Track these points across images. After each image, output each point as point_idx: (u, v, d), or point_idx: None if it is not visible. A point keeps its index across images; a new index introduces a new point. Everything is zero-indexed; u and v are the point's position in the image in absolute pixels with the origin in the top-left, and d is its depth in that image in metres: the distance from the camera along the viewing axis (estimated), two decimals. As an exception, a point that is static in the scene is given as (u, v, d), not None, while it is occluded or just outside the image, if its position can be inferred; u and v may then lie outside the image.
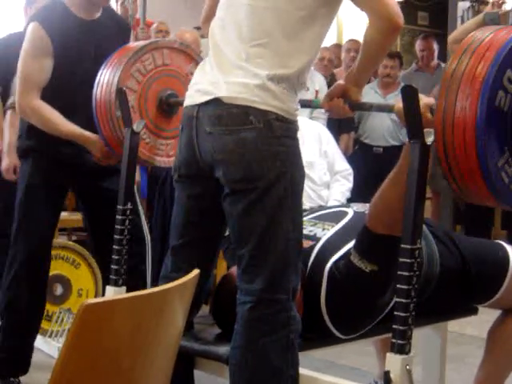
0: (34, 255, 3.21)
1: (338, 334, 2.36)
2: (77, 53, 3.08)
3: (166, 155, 3.00)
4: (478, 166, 1.92)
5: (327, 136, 4.46)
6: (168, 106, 2.93)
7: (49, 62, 3.10)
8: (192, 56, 3.04)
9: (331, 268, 2.33)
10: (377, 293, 2.31)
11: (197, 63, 2.96)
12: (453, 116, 1.92)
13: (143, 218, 3.46)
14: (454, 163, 1.95)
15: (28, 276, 3.21)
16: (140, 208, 3.46)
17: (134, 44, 3.08)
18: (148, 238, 3.46)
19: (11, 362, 3.27)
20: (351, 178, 4.47)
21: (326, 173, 4.42)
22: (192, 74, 2.90)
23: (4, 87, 4.25)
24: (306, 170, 4.40)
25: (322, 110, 5.49)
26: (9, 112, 4.02)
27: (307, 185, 4.32)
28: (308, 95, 5.38)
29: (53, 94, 3.12)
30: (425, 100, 2.08)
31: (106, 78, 2.88)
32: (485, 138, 1.90)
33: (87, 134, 3.05)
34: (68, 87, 3.12)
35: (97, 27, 3.19)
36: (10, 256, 3.23)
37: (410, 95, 2.03)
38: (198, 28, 5.67)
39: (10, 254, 3.24)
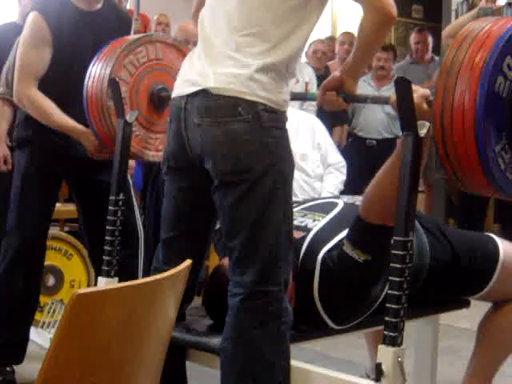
0: (28, 244, 3.22)
1: (331, 323, 2.36)
2: (75, 44, 3.08)
3: (155, 149, 2.99)
4: (475, 151, 1.92)
5: (320, 128, 4.46)
6: (159, 100, 2.93)
7: (47, 51, 3.11)
8: (185, 52, 3.02)
9: (324, 258, 2.33)
10: (370, 282, 2.31)
11: None
12: (452, 100, 1.92)
13: (137, 211, 3.46)
14: (451, 148, 1.95)
15: (22, 264, 3.22)
16: (134, 202, 3.46)
17: (127, 37, 3.08)
18: (141, 232, 3.46)
19: (3, 351, 3.27)
20: (344, 171, 4.47)
21: (319, 165, 4.42)
22: None
23: None
24: (300, 162, 4.42)
25: (312, 103, 5.54)
26: None
27: (300, 177, 4.32)
28: (298, 87, 5.38)
29: (50, 84, 3.13)
30: (420, 91, 2.08)
31: (97, 69, 2.87)
32: (483, 122, 1.90)
33: (80, 127, 3.05)
34: (65, 78, 3.12)
35: (97, 18, 3.20)
36: (5, 244, 3.25)
37: (403, 87, 2.03)
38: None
39: (5, 242, 3.26)
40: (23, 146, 3.29)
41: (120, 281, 2.64)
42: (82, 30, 3.13)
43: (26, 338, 3.33)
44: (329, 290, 2.32)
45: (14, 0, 4.69)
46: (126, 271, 2.85)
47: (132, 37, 2.98)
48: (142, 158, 3.01)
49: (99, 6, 3.23)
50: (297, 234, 2.44)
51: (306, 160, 4.34)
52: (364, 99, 2.59)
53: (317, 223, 2.48)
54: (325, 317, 2.35)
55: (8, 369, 3.30)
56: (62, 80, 3.12)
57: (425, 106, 2.07)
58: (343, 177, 4.44)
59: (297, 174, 4.35)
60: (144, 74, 2.91)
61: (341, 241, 2.34)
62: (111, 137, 2.84)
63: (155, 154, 2.99)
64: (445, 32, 5.11)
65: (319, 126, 4.45)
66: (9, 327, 3.26)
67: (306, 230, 2.46)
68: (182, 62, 2.93)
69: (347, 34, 6.70)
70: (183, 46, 3.05)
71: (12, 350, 3.29)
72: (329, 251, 2.35)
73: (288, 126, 4.51)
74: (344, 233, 2.35)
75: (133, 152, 2.91)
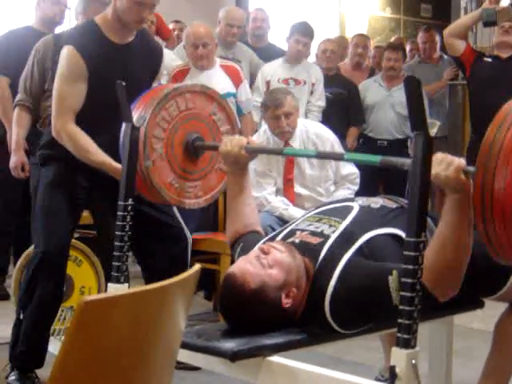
0: (54, 254, 3.25)
1: (337, 328, 2.34)
2: (108, 76, 3.07)
3: (195, 196, 3.06)
4: None
5: (330, 143, 4.33)
6: (194, 149, 2.98)
7: (84, 85, 3.15)
8: (213, 96, 3.09)
9: (345, 267, 2.31)
10: (389, 310, 2.24)
11: (219, 103, 3.08)
12: (493, 181, 1.95)
13: (178, 214, 3.56)
14: (490, 226, 2.01)
15: (47, 273, 3.24)
16: (174, 208, 3.49)
17: (158, 89, 3.13)
18: (188, 234, 3.56)
19: (30, 355, 3.31)
20: (358, 181, 4.38)
21: (331, 184, 4.36)
22: (215, 114, 3.04)
23: (14, 79, 4.24)
24: (313, 185, 4.29)
25: (317, 103, 5.49)
26: (16, 109, 4.03)
27: (314, 199, 4.26)
28: (305, 88, 5.35)
29: (81, 113, 3.17)
30: (455, 163, 2.06)
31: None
32: None
33: (115, 165, 3.09)
34: (97, 108, 3.17)
35: (128, 51, 3.23)
36: (32, 253, 3.29)
37: (412, 86, 2.00)
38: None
39: (32, 251, 3.31)
40: (49, 163, 3.34)
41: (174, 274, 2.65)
42: (114, 63, 3.15)
43: (47, 343, 3.36)
44: (341, 300, 2.28)
45: (29, 3, 4.72)
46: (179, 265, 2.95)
47: (161, 92, 2.99)
48: (182, 207, 3.09)
49: (132, 38, 3.25)
50: (314, 239, 2.43)
51: (318, 183, 4.29)
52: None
53: (334, 229, 2.45)
54: (331, 322, 2.33)
55: (29, 374, 3.33)
56: (93, 110, 3.17)
57: (462, 176, 2.06)
58: (355, 187, 4.37)
59: (311, 197, 4.30)
60: (177, 127, 2.96)
61: (360, 246, 2.32)
62: (144, 182, 2.91)
63: (195, 202, 3.07)
64: (446, 31, 5.08)
65: (328, 143, 4.34)
66: (34, 333, 3.29)
67: (323, 236, 2.43)
68: (212, 106, 3.07)
69: (361, 37, 6.63)
70: (210, 90, 3.11)
71: (36, 354, 3.32)
72: (350, 259, 2.32)
73: (298, 146, 4.40)
74: (362, 238, 2.34)
75: (173, 204, 3.04)
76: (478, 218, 2.03)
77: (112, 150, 3.03)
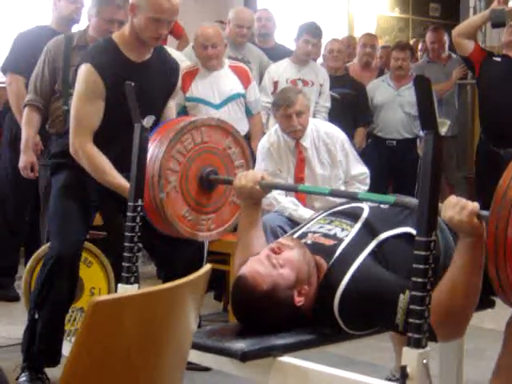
0: (67, 256, 3.26)
1: (344, 327, 2.34)
2: (123, 94, 3.02)
3: (208, 229, 3.06)
4: None
5: (340, 142, 4.31)
6: (208, 183, 2.99)
7: (101, 104, 3.16)
8: (229, 130, 3.10)
9: (359, 268, 2.31)
10: (390, 323, 2.26)
11: (234, 137, 3.10)
12: (504, 239, 1.95)
13: None
14: (503, 275, 2.01)
15: (63, 272, 3.25)
16: None
17: (173, 122, 3.13)
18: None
19: (47, 354, 3.32)
20: (368, 181, 4.36)
21: (341, 184, 4.34)
22: (230, 147, 3.07)
23: (29, 79, 4.24)
24: (322, 185, 4.27)
25: (325, 104, 5.48)
26: (26, 109, 4.04)
27: (326, 199, 4.24)
28: (313, 89, 5.35)
29: (97, 129, 3.18)
30: (469, 208, 2.05)
31: (148, 155, 2.90)
32: None
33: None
34: (112, 124, 3.17)
35: (145, 69, 3.24)
36: (48, 254, 3.30)
37: (422, 85, 2.00)
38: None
39: (48, 252, 3.31)
40: (61, 170, 3.35)
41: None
42: (127, 80, 3.12)
43: (61, 342, 3.37)
44: (350, 302, 2.29)
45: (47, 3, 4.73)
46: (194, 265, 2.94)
47: (177, 125, 3.00)
48: (196, 239, 3.09)
49: (149, 55, 3.26)
50: (327, 241, 2.43)
51: (329, 182, 4.27)
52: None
53: (347, 233, 2.45)
54: (340, 322, 2.33)
55: (39, 375, 3.34)
56: (105, 126, 3.18)
57: (475, 220, 2.05)
58: (365, 187, 4.34)
59: (321, 197, 4.28)
60: (192, 160, 2.97)
61: (373, 250, 2.33)
62: (156, 212, 2.91)
63: (208, 235, 3.08)
64: (454, 31, 5.07)
65: (338, 141, 4.33)
66: (49, 334, 3.30)
67: (337, 239, 2.44)
68: (227, 141, 3.08)
69: (369, 36, 6.62)
70: (225, 124, 3.12)
71: (50, 355, 3.33)
72: (362, 262, 2.33)
73: (309, 144, 4.40)
74: (374, 241, 2.36)
75: (186, 236, 3.00)
76: (490, 265, 2.02)
77: (125, 162, 3.00)
